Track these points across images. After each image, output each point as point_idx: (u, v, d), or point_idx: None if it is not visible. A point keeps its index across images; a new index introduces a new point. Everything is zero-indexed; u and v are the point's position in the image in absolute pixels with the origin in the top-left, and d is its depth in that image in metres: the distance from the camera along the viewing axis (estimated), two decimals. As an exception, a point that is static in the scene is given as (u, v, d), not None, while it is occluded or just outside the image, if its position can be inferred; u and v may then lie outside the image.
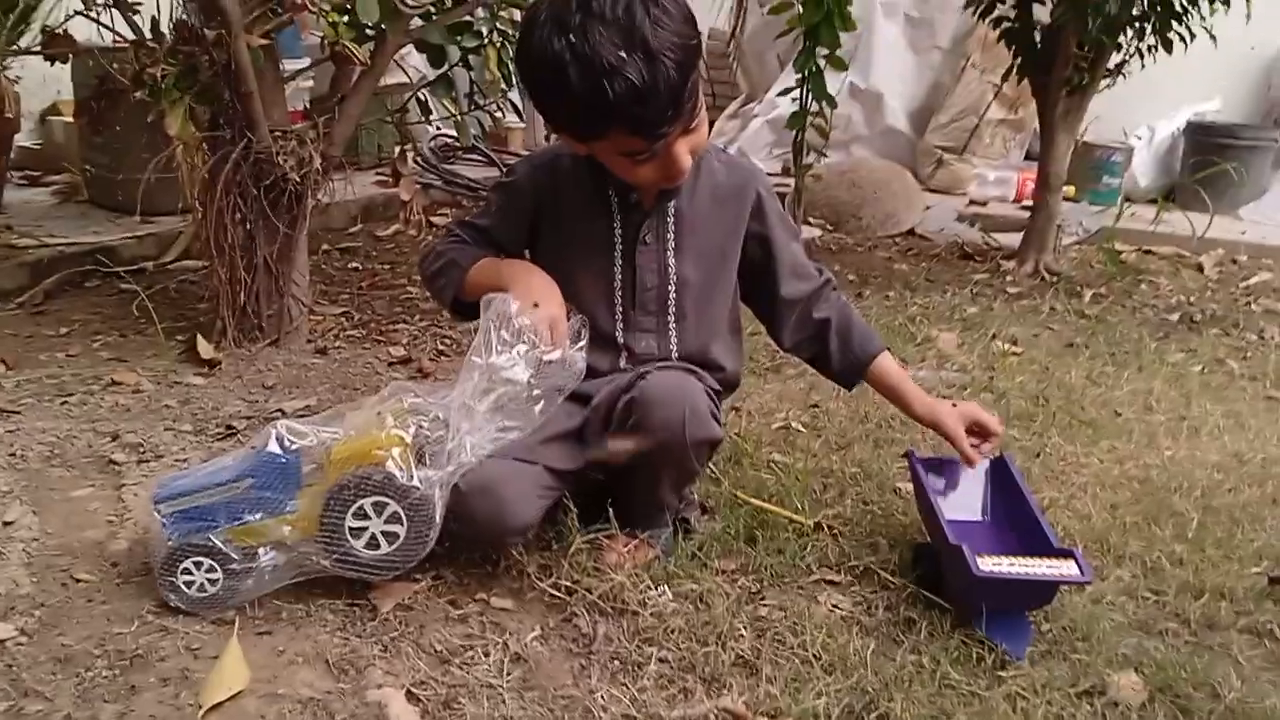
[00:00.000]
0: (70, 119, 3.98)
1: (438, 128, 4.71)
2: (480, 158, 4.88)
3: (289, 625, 1.46)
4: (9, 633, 1.41)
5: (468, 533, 1.55)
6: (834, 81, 3.95)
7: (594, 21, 1.32)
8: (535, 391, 1.46)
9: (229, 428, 2.08)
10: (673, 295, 1.65)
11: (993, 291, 3.43)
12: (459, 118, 2.82)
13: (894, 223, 4.33)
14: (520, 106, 3.05)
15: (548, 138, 5.92)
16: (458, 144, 4.88)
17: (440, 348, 2.72)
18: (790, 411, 2.25)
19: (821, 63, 3.79)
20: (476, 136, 4.69)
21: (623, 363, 1.66)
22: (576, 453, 1.61)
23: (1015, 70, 3.80)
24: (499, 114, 2.98)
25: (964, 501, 1.67)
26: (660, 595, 1.53)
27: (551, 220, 1.67)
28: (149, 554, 1.53)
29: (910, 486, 1.85)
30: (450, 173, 4.61)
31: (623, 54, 1.32)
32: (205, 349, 2.43)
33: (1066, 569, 1.46)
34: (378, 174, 4.32)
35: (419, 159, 4.58)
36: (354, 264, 3.47)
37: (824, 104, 3.87)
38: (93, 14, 2.32)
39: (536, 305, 1.48)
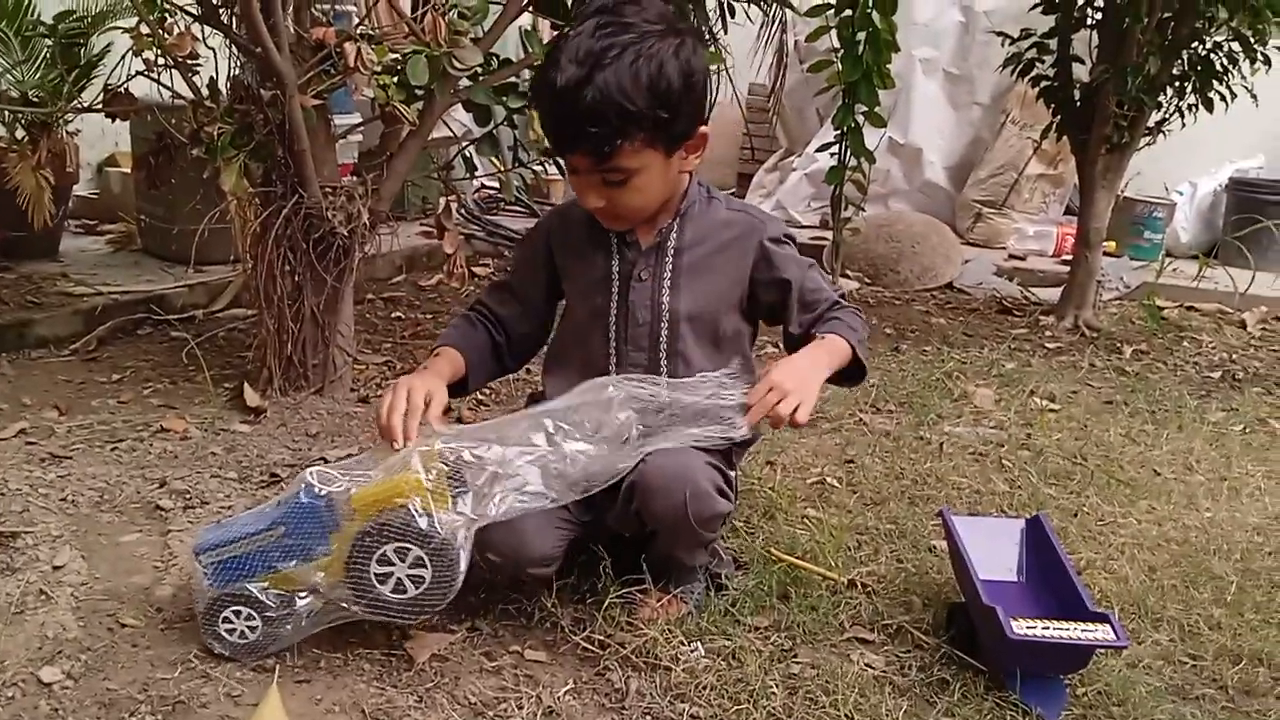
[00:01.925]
0: (126, 170, 4.12)
1: (481, 183, 4.80)
2: (522, 209, 4.97)
3: (327, 674, 1.48)
4: (55, 676, 1.44)
5: (490, 565, 1.57)
6: (873, 137, 3.99)
7: (585, 30, 1.47)
8: (587, 480, 1.48)
9: (273, 475, 2.12)
10: (664, 331, 1.65)
11: (1031, 347, 3.42)
12: (503, 173, 2.89)
13: (932, 276, 4.34)
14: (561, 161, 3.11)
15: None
16: (500, 196, 4.97)
17: (480, 397, 2.76)
18: (825, 467, 2.25)
19: (860, 119, 3.84)
20: (519, 189, 4.79)
21: None
22: (593, 507, 1.62)
23: (1055, 128, 3.82)
24: (540, 168, 3.04)
25: (999, 561, 1.66)
26: (693, 651, 1.54)
27: (564, 262, 1.74)
28: (193, 601, 1.57)
29: (945, 545, 1.86)
30: (493, 224, 4.70)
31: (572, 61, 1.45)
32: (252, 397, 2.49)
33: (1102, 633, 1.46)
34: (422, 225, 4.41)
35: (463, 211, 4.67)
36: (397, 313, 3.54)
37: (862, 159, 3.92)
38: (153, 74, 2.40)
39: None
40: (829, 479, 2.19)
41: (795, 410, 1.48)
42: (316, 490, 1.47)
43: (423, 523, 1.44)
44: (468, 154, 2.99)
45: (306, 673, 1.48)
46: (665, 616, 1.60)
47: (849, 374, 1.67)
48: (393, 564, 1.46)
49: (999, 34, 3.96)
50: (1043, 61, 3.80)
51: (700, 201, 1.68)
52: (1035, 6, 3.83)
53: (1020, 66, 3.85)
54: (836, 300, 1.69)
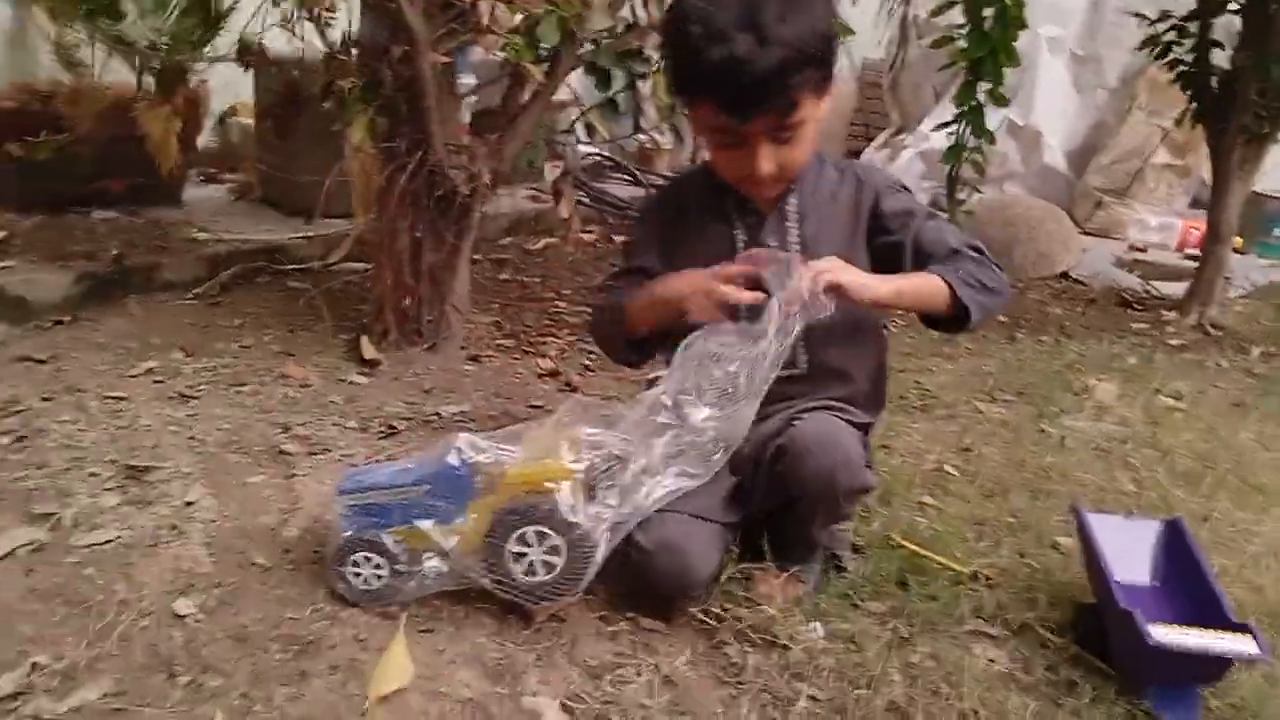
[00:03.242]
0: (247, 121, 4.21)
1: (589, 149, 4.78)
2: (627, 177, 4.95)
3: (449, 625, 1.50)
4: (189, 609, 1.49)
5: (650, 588, 1.55)
6: (993, 117, 3.87)
7: None
8: (721, 443, 1.47)
9: (391, 427, 2.15)
10: None
11: (1153, 342, 3.29)
12: (630, 137, 2.86)
13: (1047, 264, 4.21)
14: (680, 129, 3.08)
15: (692, 159, 5.97)
16: (607, 162, 4.96)
17: (586, 363, 2.76)
18: (942, 454, 2.20)
19: (982, 98, 3.72)
20: (626, 156, 4.77)
21: None
22: (740, 504, 1.62)
23: (1189, 115, 3.66)
24: (661, 136, 3.02)
25: (1134, 564, 1.60)
26: (811, 631, 1.51)
27: (677, 238, 1.70)
28: (323, 543, 1.60)
29: (1070, 541, 1.80)
30: (599, 190, 4.69)
31: (736, 28, 1.40)
32: (369, 349, 2.53)
33: (1244, 645, 1.39)
34: (529, 188, 4.42)
35: (558, 174, 4.67)
36: (504, 275, 3.55)
37: (982, 140, 3.80)
38: (289, 26, 2.44)
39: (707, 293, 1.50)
40: (946, 466, 2.14)
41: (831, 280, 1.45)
42: (465, 457, 1.49)
43: (567, 512, 1.45)
44: (584, 117, 2.98)
45: (429, 622, 1.50)
46: (784, 594, 1.58)
47: (950, 320, 1.59)
48: (529, 546, 1.47)
49: (1136, 15, 3.79)
50: (1181, 45, 3.64)
51: (813, 164, 1.65)
52: (1176, -13, 3.66)
53: (1157, 49, 3.69)
54: (957, 249, 1.61)
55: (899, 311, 1.67)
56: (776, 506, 1.59)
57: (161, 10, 3.52)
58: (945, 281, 1.56)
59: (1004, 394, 2.66)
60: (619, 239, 4.10)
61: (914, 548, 1.73)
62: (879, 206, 1.65)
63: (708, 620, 1.54)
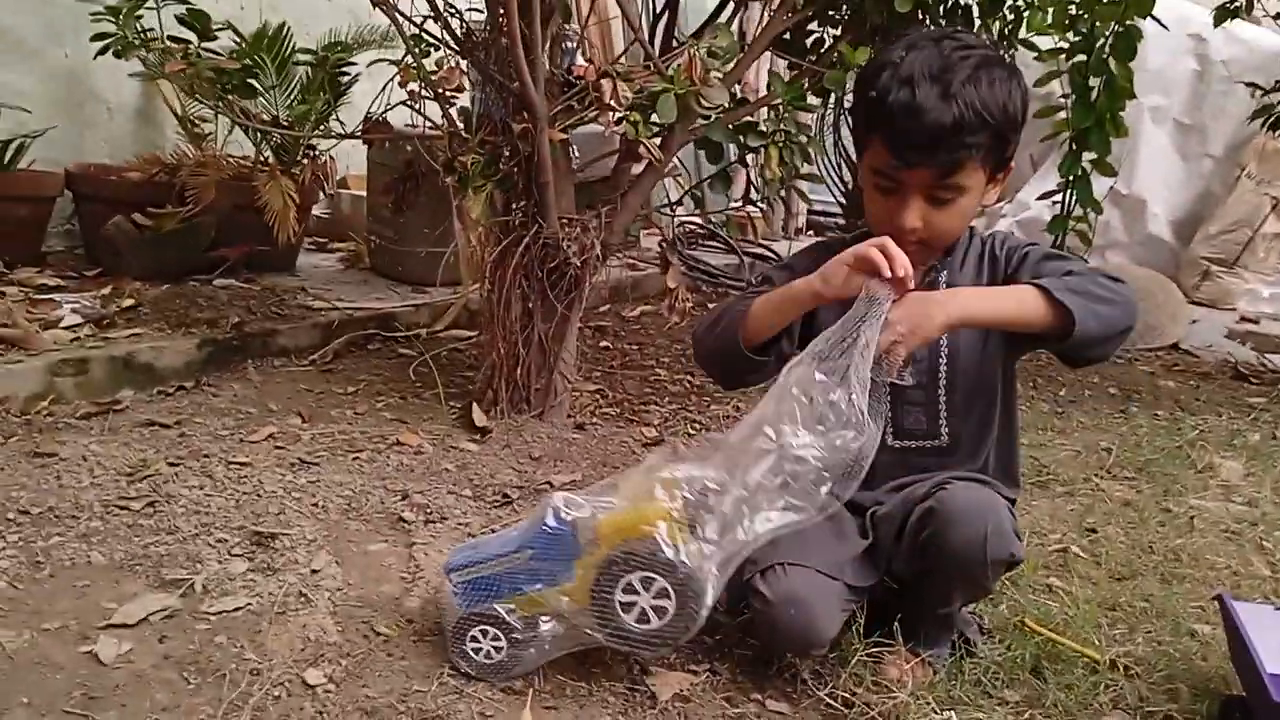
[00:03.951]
0: (356, 193, 4.35)
1: (693, 216, 4.83)
2: (720, 245, 4.99)
3: (573, 702, 1.49)
4: (318, 679, 1.50)
5: (769, 642, 1.54)
6: (1097, 186, 3.81)
7: (928, 50, 1.47)
8: (825, 473, 1.44)
9: (505, 496, 2.17)
10: (944, 367, 1.62)
11: (1273, 418, 3.17)
12: (738, 209, 2.88)
13: (1156, 335, 4.10)
14: (787, 199, 3.10)
15: (784, 226, 5.99)
16: (701, 230, 5.01)
17: (690, 431, 2.76)
18: (1065, 534, 2.14)
19: (1087, 167, 3.67)
20: (721, 225, 4.81)
21: (889, 439, 1.60)
22: (872, 569, 1.59)
23: (1307, 184, 3.57)
24: (766, 209, 3.04)
25: (1286, 656, 1.53)
26: (945, 720, 1.47)
27: None
28: (441, 615, 1.60)
29: (1208, 629, 1.73)
30: (693, 259, 4.72)
31: (925, 77, 1.44)
32: (480, 417, 2.56)
33: None
34: (626, 257, 4.47)
35: (663, 244, 4.72)
36: (604, 343, 3.59)
37: (1088, 210, 3.74)
38: (415, 105, 2.53)
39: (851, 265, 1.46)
40: (1072, 548, 2.07)
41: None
42: (563, 515, 1.48)
43: (669, 553, 1.43)
44: (696, 192, 3.03)
45: (553, 699, 1.49)
46: (914, 679, 1.54)
47: (1061, 334, 1.46)
48: (637, 593, 1.45)
49: (1249, 84, 3.72)
50: (1297, 114, 3.56)
51: (963, 238, 1.65)
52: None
53: (1271, 120, 3.61)
54: (1072, 271, 1.52)
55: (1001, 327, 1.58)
56: (911, 578, 1.56)
57: (286, 86, 3.70)
58: (1036, 287, 1.47)
59: (1124, 471, 2.58)
60: (714, 307, 4.12)
61: (1048, 633, 1.67)
62: (1006, 268, 1.63)
63: (835, 705, 1.50)
